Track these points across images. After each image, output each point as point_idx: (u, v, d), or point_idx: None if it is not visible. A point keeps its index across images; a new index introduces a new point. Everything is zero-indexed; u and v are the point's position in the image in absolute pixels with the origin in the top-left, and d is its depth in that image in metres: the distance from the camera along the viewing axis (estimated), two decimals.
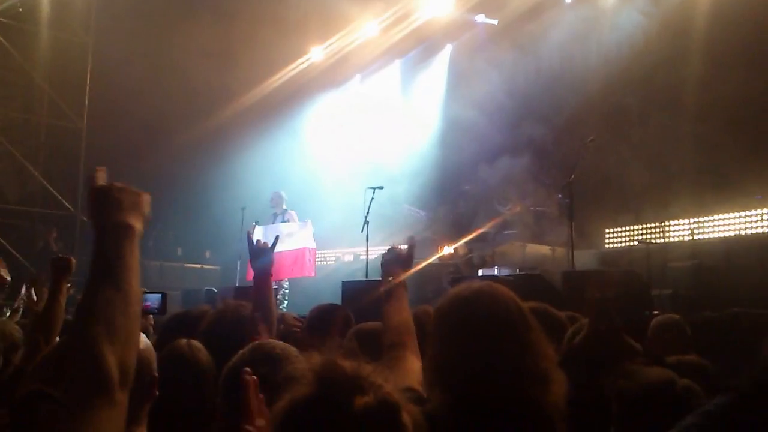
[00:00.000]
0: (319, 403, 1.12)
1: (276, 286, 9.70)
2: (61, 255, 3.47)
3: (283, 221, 10.87)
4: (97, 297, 1.23)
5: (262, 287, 3.11)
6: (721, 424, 1.59)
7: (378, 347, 2.70)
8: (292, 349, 2.15)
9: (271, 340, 2.23)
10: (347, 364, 1.17)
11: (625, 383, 2.80)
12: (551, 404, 1.86)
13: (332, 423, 1.10)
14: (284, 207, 11.06)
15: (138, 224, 1.37)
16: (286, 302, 10.53)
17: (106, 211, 1.35)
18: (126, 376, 1.20)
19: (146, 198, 1.44)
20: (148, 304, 4.31)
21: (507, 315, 1.98)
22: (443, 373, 1.98)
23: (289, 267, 10.38)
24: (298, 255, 10.46)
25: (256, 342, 2.16)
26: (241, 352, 2.11)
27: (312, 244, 10.61)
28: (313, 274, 10.83)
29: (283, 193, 11.21)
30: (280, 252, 10.01)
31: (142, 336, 1.64)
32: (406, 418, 1.13)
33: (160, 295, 4.35)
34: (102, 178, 1.43)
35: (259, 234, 10.38)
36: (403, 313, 2.65)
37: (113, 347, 1.18)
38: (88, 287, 1.26)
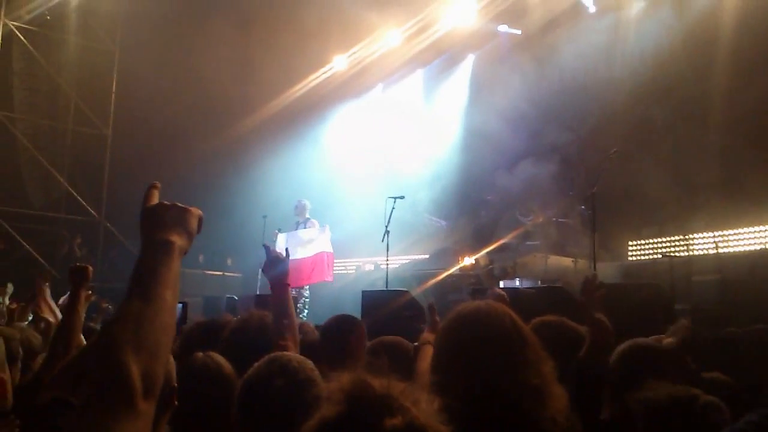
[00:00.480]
0: (347, 424, 1.11)
1: (296, 295, 9.71)
2: (78, 263, 3.43)
3: (304, 229, 10.96)
4: (126, 308, 1.23)
5: (280, 296, 3.08)
6: None
7: (398, 360, 2.70)
8: (308, 362, 2.14)
9: (286, 353, 2.21)
10: (377, 384, 1.16)
11: (651, 395, 2.77)
12: (548, 419, 1.88)
13: None
14: (307, 216, 11.14)
15: (179, 240, 1.38)
16: (306, 311, 10.55)
17: (149, 230, 1.38)
18: (151, 387, 1.18)
19: (194, 213, 1.45)
20: None
21: (502, 333, 2.04)
22: (442, 391, 1.99)
23: (308, 273, 10.43)
24: (317, 260, 10.53)
25: (273, 354, 2.15)
26: (256, 364, 2.10)
27: (329, 249, 10.67)
28: (330, 279, 10.87)
29: (307, 202, 11.30)
30: (300, 259, 10.08)
31: None
32: None
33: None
34: (155, 196, 1.45)
35: (281, 241, 10.47)
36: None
37: (138, 357, 1.17)
38: (122, 301, 1.27)
